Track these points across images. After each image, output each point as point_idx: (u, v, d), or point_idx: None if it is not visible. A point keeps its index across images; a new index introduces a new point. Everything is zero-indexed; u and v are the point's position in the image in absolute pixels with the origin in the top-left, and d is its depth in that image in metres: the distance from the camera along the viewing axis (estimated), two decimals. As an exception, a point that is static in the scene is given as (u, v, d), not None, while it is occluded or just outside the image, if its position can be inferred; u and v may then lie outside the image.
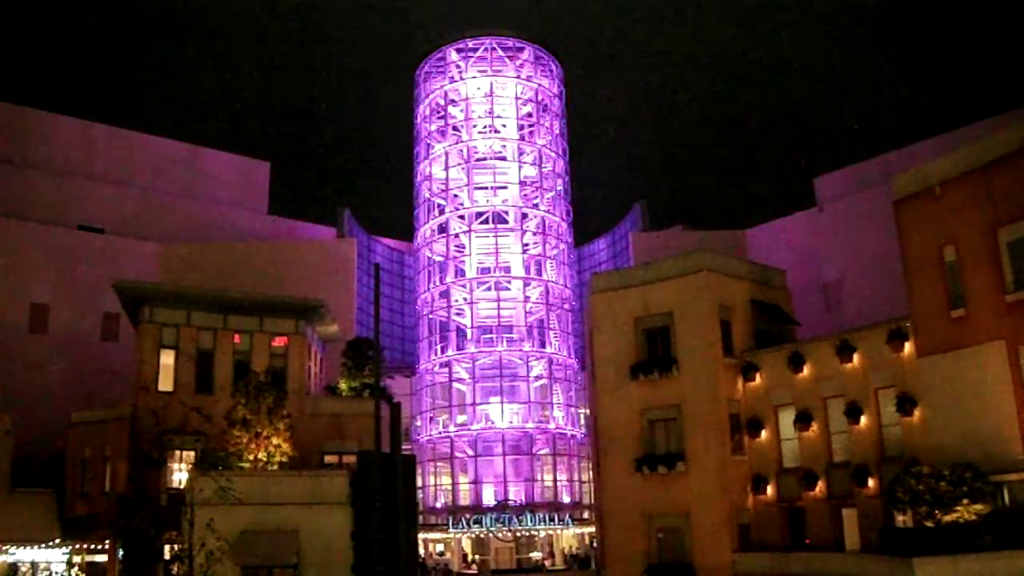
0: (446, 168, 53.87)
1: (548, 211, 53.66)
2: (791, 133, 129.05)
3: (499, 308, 51.31)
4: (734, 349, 35.87)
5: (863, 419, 31.38)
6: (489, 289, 51.66)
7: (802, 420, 33.13)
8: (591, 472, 44.18)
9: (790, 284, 40.61)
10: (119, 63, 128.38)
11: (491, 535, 45.99)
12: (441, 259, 53.56)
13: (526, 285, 52.29)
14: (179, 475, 35.72)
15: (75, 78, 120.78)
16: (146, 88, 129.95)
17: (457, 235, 52.76)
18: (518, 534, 46.37)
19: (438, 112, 55.48)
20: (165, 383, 37.37)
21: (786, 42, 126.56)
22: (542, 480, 50.11)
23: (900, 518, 27.82)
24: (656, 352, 36.66)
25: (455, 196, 53.73)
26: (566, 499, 49.49)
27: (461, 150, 53.56)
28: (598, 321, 38.49)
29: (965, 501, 25.32)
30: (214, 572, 18.08)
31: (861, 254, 51.25)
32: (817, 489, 32.50)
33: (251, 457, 32.65)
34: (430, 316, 53.14)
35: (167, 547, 30.98)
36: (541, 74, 55.85)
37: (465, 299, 52.06)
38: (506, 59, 54.50)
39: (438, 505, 49.97)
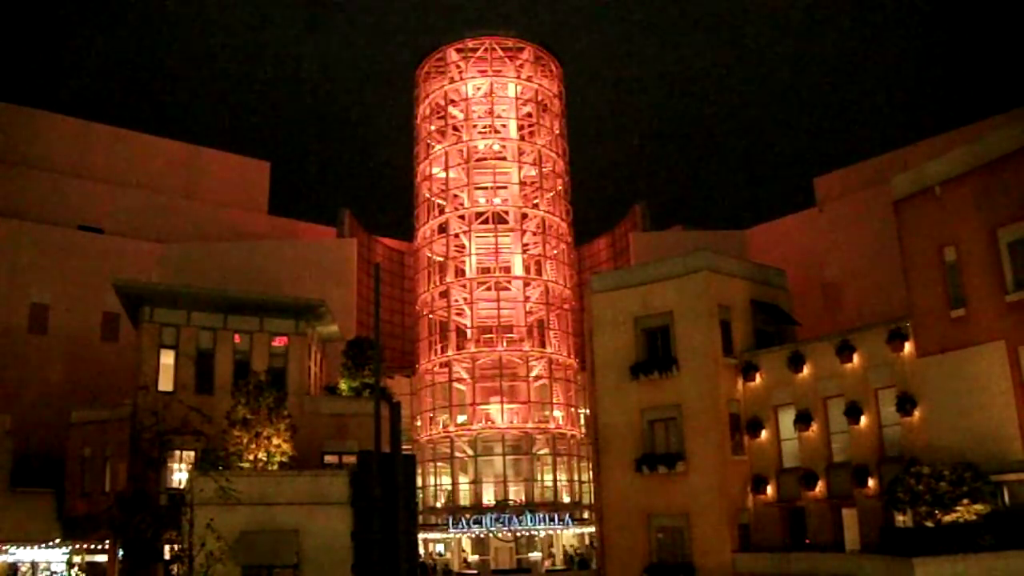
0: (446, 168, 53.86)
1: (548, 211, 53.64)
2: (791, 133, 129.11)
3: (499, 308, 51.29)
4: (734, 349, 35.86)
5: (863, 419, 31.38)
6: (489, 289, 51.64)
7: (802, 420, 33.13)
8: (591, 472, 44.17)
9: (790, 284, 40.61)
10: (119, 63, 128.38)
11: (491, 535, 45.98)
12: (441, 259, 53.54)
13: (526, 285, 52.28)
14: (179, 475, 35.71)
15: (75, 78, 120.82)
16: (146, 88, 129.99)
17: (457, 235, 52.74)
18: (518, 534, 46.35)
19: (438, 112, 55.47)
20: (165, 383, 37.35)
21: (787, 42, 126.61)
22: (542, 480, 50.10)
23: (900, 518, 27.79)
24: (656, 352, 36.65)
25: (455, 196, 53.72)
26: (566, 499, 49.48)
27: (461, 150, 53.55)
28: (598, 321, 38.48)
29: (965, 501, 25.29)
30: (214, 572, 18.09)
31: (861, 254, 51.20)
32: (817, 489, 32.50)
33: (251, 457, 32.64)
34: (430, 316, 53.13)
35: (167, 547, 31.00)
36: (541, 74, 55.84)
37: (465, 299, 52.04)
38: (506, 59, 54.50)
39: (438, 505, 49.97)
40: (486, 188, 53.90)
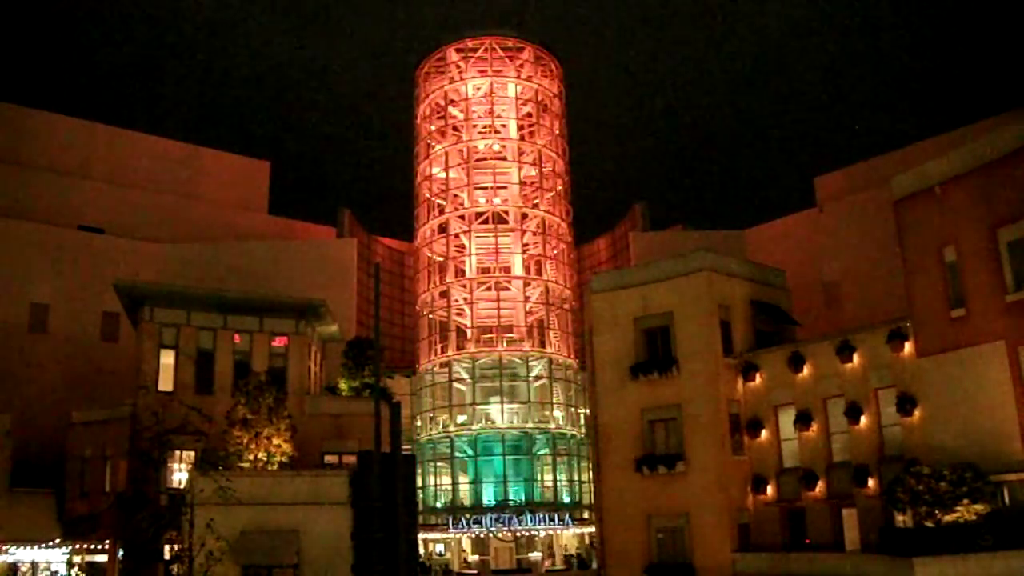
0: (446, 168, 53.83)
1: (548, 211, 53.62)
2: (791, 133, 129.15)
3: (499, 308, 51.25)
4: (734, 349, 35.86)
5: (863, 419, 31.38)
6: (489, 289, 51.62)
7: (802, 420, 33.13)
8: (591, 472, 44.18)
9: (790, 284, 40.60)
10: (119, 63, 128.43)
11: (491, 535, 45.97)
12: (441, 259, 53.53)
13: (526, 285, 52.26)
14: (179, 475, 35.76)
15: (75, 78, 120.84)
16: (146, 88, 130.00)
17: (457, 235, 52.72)
18: (518, 534, 46.34)
19: (438, 112, 55.43)
20: (165, 383, 37.42)
21: (787, 42, 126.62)
22: (542, 480, 50.07)
23: (900, 518, 27.80)
24: (656, 352, 36.63)
25: (455, 196, 53.71)
26: (566, 499, 49.46)
27: (461, 150, 53.53)
28: (598, 321, 38.48)
29: (965, 501, 25.29)
30: (214, 572, 18.10)
31: (861, 254, 51.22)
32: (817, 489, 32.49)
33: (251, 457, 32.69)
34: (430, 316, 53.10)
35: (167, 547, 31.01)
36: (541, 74, 55.80)
37: (465, 299, 52.02)
38: (506, 59, 54.46)
39: (438, 505, 49.95)
40: (486, 188, 53.86)
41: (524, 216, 53.10)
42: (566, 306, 53.28)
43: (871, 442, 31.16)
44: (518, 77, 54.76)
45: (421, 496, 48.31)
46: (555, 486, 49.33)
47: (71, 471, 40.26)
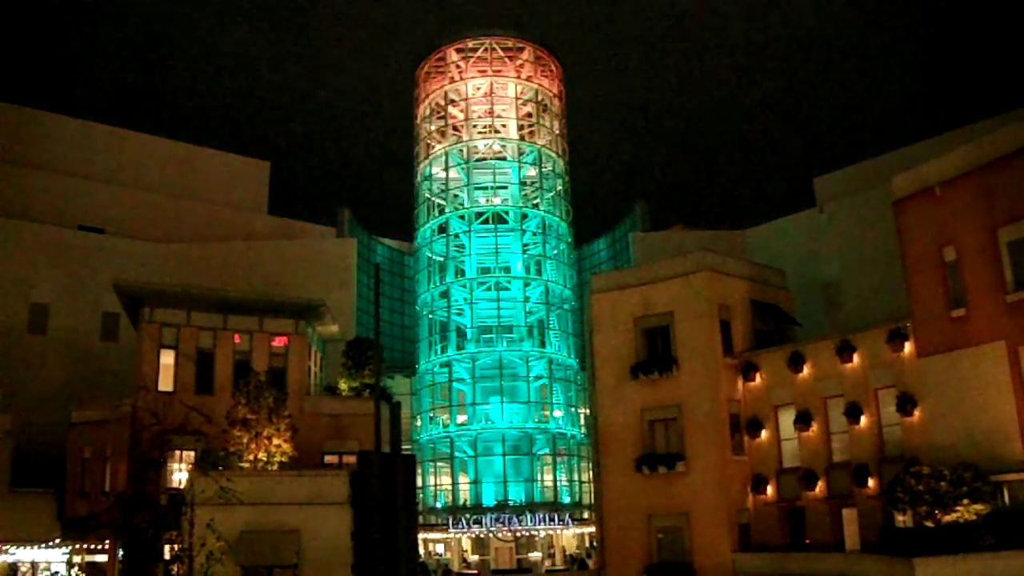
0: (446, 168, 53.87)
1: (548, 211, 53.64)
2: (791, 133, 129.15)
3: (499, 308, 51.29)
4: (734, 349, 35.85)
5: (863, 419, 31.38)
6: (489, 289, 51.64)
7: (802, 420, 33.13)
8: (591, 472, 44.19)
9: (790, 284, 40.60)
10: (119, 63, 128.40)
11: (491, 535, 45.97)
12: (441, 259, 53.56)
13: (526, 285, 52.28)
14: (179, 475, 35.72)
15: (75, 78, 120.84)
16: (146, 88, 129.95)
17: (457, 235, 52.75)
18: (518, 534, 46.35)
19: (438, 112, 55.45)
20: (165, 383, 37.39)
21: (786, 42, 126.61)
22: (542, 480, 50.09)
23: (900, 518, 27.80)
24: (656, 352, 36.64)
25: (455, 196, 53.74)
26: (566, 499, 49.47)
27: (461, 150, 53.55)
28: (598, 321, 38.47)
29: (965, 501, 25.29)
30: (214, 572, 18.08)
31: (861, 254, 51.19)
32: (817, 489, 32.50)
33: (251, 457, 32.67)
34: (430, 316, 53.13)
35: (167, 547, 30.98)
36: (541, 74, 55.83)
37: (465, 299, 52.04)
38: (506, 59, 54.48)
39: (438, 505, 49.97)
40: (486, 188, 53.90)
41: (524, 216, 53.12)
42: (566, 306, 53.30)
43: (871, 442, 31.16)
44: (518, 77, 54.78)
45: (421, 496, 48.32)
46: (555, 486, 49.35)
47: (71, 471, 40.22)
